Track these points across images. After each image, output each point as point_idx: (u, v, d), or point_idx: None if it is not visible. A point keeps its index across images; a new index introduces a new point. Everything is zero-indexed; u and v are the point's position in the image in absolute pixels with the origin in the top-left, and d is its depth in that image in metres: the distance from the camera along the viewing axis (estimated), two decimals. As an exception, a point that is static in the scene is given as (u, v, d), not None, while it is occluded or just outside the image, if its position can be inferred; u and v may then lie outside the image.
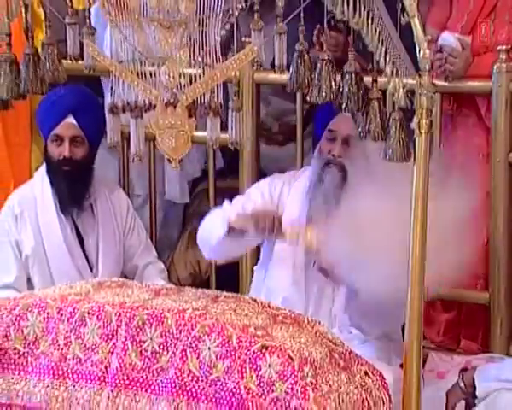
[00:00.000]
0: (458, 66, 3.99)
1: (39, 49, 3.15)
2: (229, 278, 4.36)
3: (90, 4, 3.13)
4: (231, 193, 4.44)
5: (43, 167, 4.03)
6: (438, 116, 3.94)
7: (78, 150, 3.87)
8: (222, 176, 4.80)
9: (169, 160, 3.04)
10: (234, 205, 3.71)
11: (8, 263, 3.96)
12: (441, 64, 3.98)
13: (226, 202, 3.72)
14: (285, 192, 3.78)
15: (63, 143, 3.86)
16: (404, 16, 2.65)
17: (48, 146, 3.94)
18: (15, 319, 2.96)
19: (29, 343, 2.93)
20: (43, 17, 3.26)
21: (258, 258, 4.05)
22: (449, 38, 4.04)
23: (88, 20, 3.07)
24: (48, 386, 2.86)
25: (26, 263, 3.96)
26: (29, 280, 4.00)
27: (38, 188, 4.00)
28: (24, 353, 2.93)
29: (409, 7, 2.63)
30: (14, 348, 2.94)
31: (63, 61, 3.18)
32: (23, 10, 3.07)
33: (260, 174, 4.36)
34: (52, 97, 3.90)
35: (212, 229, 3.61)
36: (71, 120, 3.86)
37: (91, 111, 3.89)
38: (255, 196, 3.78)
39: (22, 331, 2.95)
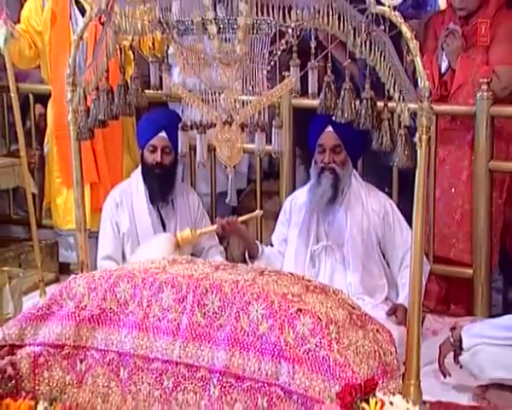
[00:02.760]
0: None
1: (129, 82, 3.18)
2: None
3: (167, 47, 3.16)
4: (272, 193, 4.47)
5: (139, 169, 4.07)
6: (434, 132, 3.91)
7: (167, 158, 3.92)
8: (266, 179, 4.80)
9: (225, 166, 3.06)
10: None
11: (109, 239, 4.03)
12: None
13: None
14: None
15: (156, 151, 3.91)
16: (408, 55, 2.65)
17: (144, 153, 3.98)
18: (110, 286, 2.99)
19: (121, 305, 2.96)
20: (132, 57, 3.28)
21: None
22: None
23: (166, 59, 3.09)
24: (135, 337, 2.88)
25: (122, 239, 4.03)
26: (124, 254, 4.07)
27: (134, 184, 4.05)
28: (117, 312, 2.95)
29: (412, 49, 2.64)
30: (110, 308, 2.97)
31: (146, 90, 3.22)
32: (118, 52, 3.10)
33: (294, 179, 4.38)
34: (150, 117, 3.96)
35: None
36: (163, 134, 3.90)
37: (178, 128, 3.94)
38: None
39: (116, 295, 2.97)
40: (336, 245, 3.64)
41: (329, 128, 3.56)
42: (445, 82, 4.14)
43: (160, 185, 3.96)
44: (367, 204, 3.63)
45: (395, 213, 3.64)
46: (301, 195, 3.80)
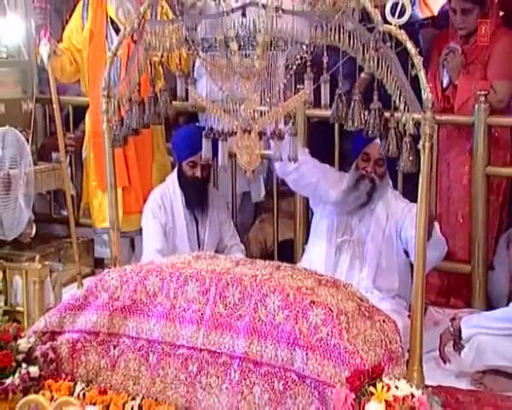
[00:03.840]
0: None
1: (158, 94, 3.18)
2: (287, 252, 4.35)
3: (193, 63, 3.15)
4: (288, 194, 4.45)
5: (173, 175, 4.09)
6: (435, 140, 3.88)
7: (205, 172, 3.95)
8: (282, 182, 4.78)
9: (245, 171, 3.05)
10: None
11: (158, 236, 4.03)
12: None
13: None
14: None
15: (196, 167, 3.93)
16: (413, 70, 2.62)
17: (183, 166, 3.99)
18: (141, 280, 2.98)
19: (150, 296, 2.95)
20: (161, 72, 3.28)
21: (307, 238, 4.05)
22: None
23: (191, 73, 3.09)
24: (162, 326, 2.88)
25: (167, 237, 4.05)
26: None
27: (171, 189, 4.06)
28: (146, 303, 2.95)
29: (416, 64, 2.62)
30: (140, 300, 2.96)
31: (174, 102, 3.21)
32: (148, 68, 3.10)
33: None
34: (191, 136, 3.90)
35: None
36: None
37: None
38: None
39: (145, 288, 2.97)
40: (358, 242, 3.62)
41: (378, 140, 3.51)
42: (447, 96, 4.13)
43: (198, 195, 4.00)
44: (392, 213, 3.61)
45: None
46: (334, 191, 3.75)
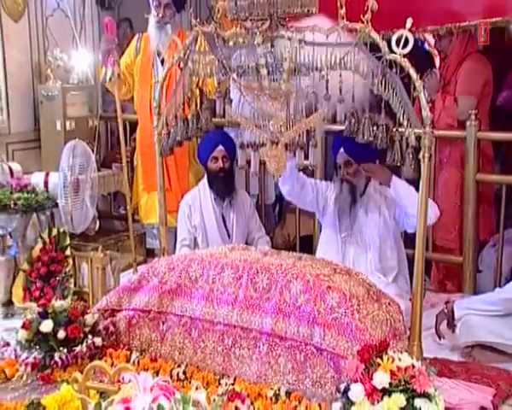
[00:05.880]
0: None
1: (200, 112, 3.17)
2: (307, 244, 4.31)
3: (229, 85, 3.13)
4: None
5: (203, 181, 4.06)
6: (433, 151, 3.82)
7: (226, 164, 3.90)
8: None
9: (273, 176, 3.05)
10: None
11: (185, 231, 4.02)
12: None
13: None
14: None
15: (218, 160, 3.90)
16: (414, 91, 2.58)
17: (208, 165, 3.96)
18: (185, 267, 2.98)
19: (192, 281, 2.95)
20: (197, 94, 3.26)
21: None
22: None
23: (228, 94, 3.07)
24: (203, 306, 2.88)
25: (194, 230, 4.01)
26: (195, 240, 4.07)
27: (202, 190, 4.04)
28: (190, 287, 2.94)
29: (418, 87, 2.58)
30: (185, 284, 2.96)
31: (213, 118, 3.19)
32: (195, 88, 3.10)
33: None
34: (209, 138, 3.90)
35: None
36: (221, 147, 3.89)
37: (230, 142, 3.91)
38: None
39: (189, 274, 2.97)
40: (358, 233, 3.57)
41: (341, 150, 3.52)
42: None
43: (224, 185, 3.94)
44: (382, 198, 3.55)
45: (398, 182, 3.48)
46: (333, 193, 3.70)
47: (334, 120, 2.90)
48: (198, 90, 3.12)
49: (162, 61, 4.30)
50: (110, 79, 4.09)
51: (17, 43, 4.42)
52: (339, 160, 3.56)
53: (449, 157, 4.03)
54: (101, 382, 2.27)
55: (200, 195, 4.04)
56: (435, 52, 4.43)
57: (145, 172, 4.44)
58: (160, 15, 4.21)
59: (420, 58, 4.71)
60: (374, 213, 3.55)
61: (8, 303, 3.74)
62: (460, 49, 3.98)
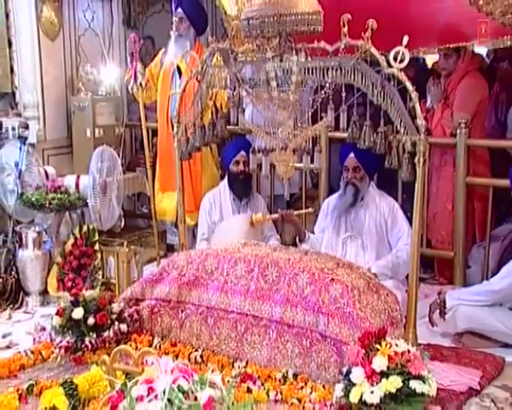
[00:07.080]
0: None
1: (216, 120, 3.16)
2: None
3: (241, 96, 3.12)
4: (314, 197, 4.38)
5: (225, 180, 4.00)
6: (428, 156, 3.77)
7: (246, 168, 3.83)
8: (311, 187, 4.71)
9: (282, 178, 3.03)
10: None
11: (205, 227, 3.95)
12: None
13: None
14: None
15: (239, 164, 3.84)
16: (410, 101, 2.56)
17: (230, 168, 3.90)
18: (202, 261, 2.98)
19: (208, 273, 2.94)
20: (210, 105, 3.26)
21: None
22: None
23: (240, 104, 3.06)
24: (218, 296, 2.87)
25: (213, 227, 3.93)
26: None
27: (222, 190, 3.98)
28: (206, 278, 2.94)
29: (414, 98, 2.56)
30: (201, 276, 2.95)
31: (228, 126, 3.17)
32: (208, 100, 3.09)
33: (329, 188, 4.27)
34: (233, 143, 3.89)
35: None
36: (242, 152, 3.82)
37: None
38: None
39: (205, 267, 2.96)
40: (358, 234, 3.53)
41: (351, 154, 3.46)
42: (426, 118, 4.00)
43: (243, 187, 3.90)
44: (380, 206, 3.52)
45: (398, 211, 3.51)
46: (334, 199, 3.69)
47: (337, 128, 2.86)
48: (212, 103, 3.12)
49: (180, 73, 4.27)
50: (140, 85, 4.11)
51: (53, 59, 4.48)
52: (348, 164, 3.49)
53: (444, 164, 3.98)
54: (126, 364, 2.27)
55: (221, 194, 4.01)
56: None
57: (161, 174, 4.42)
58: (175, 29, 4.23)
59: (421, 71, 4.73)
60: (372, 214, 3.51)
61: (44, 292, 3.76)
62: (462, 66, 3.91)
